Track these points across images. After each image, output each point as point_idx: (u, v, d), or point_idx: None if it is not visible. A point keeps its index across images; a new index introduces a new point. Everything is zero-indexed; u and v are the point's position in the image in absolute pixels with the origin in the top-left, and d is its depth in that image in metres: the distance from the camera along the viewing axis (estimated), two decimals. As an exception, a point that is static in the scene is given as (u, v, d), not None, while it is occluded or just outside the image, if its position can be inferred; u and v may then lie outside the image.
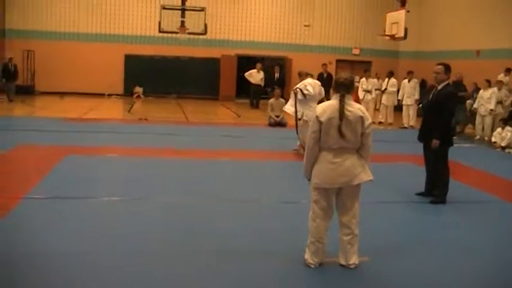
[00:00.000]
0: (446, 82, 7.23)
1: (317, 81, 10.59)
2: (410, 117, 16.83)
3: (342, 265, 4.76)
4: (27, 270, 4.44)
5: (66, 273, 4.39)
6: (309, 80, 10.42)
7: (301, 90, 10.12)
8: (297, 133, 10.32)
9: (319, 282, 4.54)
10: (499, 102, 14.65)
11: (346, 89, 4.62)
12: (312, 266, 4.71)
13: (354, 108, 4.60)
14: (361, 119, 4.57)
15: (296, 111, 10.20)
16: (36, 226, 5.57)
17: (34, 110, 17.33)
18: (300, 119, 10.21)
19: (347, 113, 4.52)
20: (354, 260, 4.75)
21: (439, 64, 7.27)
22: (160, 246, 5.10)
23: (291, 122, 16.47)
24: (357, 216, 4.75)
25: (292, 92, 10.46)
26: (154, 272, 4.47)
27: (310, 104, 10.06)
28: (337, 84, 4.67)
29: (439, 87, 7.23)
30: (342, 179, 4.58)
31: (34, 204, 6.32)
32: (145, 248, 5.04)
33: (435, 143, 7.07)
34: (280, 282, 4.47)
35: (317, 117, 4.58)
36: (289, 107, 10.49)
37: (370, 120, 4.65)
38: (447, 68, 7.20)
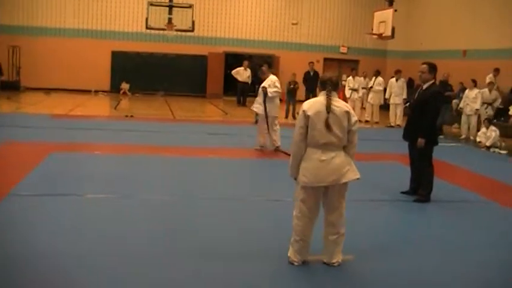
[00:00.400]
0: (431, 81, 7.26)
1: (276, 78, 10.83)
2: (397, 116, 16.90)
3: (325, 263, 4.76)
4: (9, 268, 4.39)
5: (50, 272, 4.35)
6: (274, 77, 10.62)
7: (265, 88, 10.33)
8: (268, 130, 10.50)
9: (304, 281, 4.53)
10: (490, 104, 14.64)
11: (333, 86, 4.65)
12: (296, 264, 4.71)
13: (340, 104, 4.64)
14: (348, 114, 4.59)
15: (266, 109, 10.36)
16: (19, 223, 5.52)
17: (19, 106, 17.18)
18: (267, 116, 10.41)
19: (334, 107, 4.55)
20: (337, 258, 4.76)
21: (424, 63, 7.31)
22: (146, 246, 5.05)
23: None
24: (343, 215, 4.75)
25: (260, 90, 10.56)
26: (141, 274, 4.40)
27: (274, 100, 10.49)
28: (323, 82, 4.70)
29: (425, 87, 7.26)
30: (330, 178, 4.56)
31: (18, 201, 6.26)
32: (131, 248, 4.99)
33: (420, 142, 7.10)
34: (265, 282, 4.44)
35: (304, 112, 4.57)
36: (257, 106, 10.63)
37: (356, 118, 4.68)
38: (431, 67, 7.23)
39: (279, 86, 10.45)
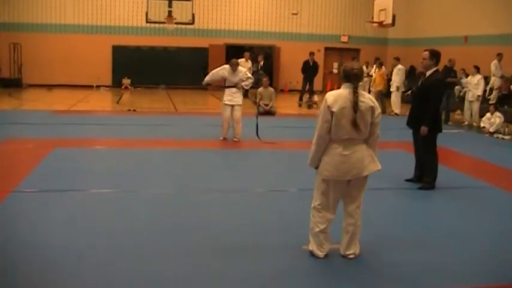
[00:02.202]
0: (435, 69, 7.21)
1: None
2: (395, 104, 16.80)
3: (342, 255, 4.73)
4: (14, 263, 4.41)
5: (54, 267, 4.36)
6: (243, 69, 11.05)
7: (243, 83, 10.75)
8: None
9: (311, 272, 4.52)
10: None
11: (358, 79, 4.54)
12: (320, 257, 4.65)
13: (366, 98, 4.51)
14: (372, 109, 4.48)
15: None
16: (25, 219, 5.54)
17: (22, 103, 17.20)
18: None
19: (360, 103, 4.42)
20: (353, 250, 4.72)
21: (426, 50, 7.28)
22: (149, 241, 5.04)
23: (280, 110, 16.51)
24: (361, 207, 4.72)
25: (238, 87, 10.84)
26: (148, 269, 4.41)
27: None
28: (349, 74, 4.53)
29: (428, 74, 7.23)
30: (352, 171, 4.50)
31: (23, 198, 6.28)
32: (134, 243, 4.99)
33: (423, 130, 7.09)
34: (280, 276, 4.41)
35: (328, 107, 4.41)
36: (238, 100, 10.98)
37: (379, 110, 4.59)
38: (433, 54, 7.17)
39: (250, 75, 11.03)
